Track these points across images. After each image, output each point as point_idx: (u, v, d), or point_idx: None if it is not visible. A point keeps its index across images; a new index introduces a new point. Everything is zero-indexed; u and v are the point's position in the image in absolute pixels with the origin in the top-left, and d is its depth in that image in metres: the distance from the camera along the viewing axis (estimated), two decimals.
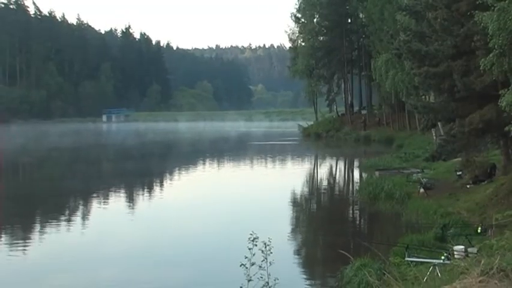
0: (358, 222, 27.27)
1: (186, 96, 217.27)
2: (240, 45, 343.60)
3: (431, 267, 11.73)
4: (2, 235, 22.99)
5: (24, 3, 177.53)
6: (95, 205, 30.57)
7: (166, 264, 18.12)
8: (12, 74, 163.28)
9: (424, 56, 26.22)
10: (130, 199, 32.59)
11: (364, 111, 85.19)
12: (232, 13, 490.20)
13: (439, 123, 34.18)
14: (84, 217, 27.15)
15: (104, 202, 31.41)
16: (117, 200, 31.97)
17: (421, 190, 26.61)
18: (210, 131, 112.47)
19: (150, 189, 36.80)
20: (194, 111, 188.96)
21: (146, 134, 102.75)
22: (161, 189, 37.54)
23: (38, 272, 17.57)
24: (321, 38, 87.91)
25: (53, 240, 21.77)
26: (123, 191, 35.88)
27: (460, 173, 28.85)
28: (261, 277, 8.05)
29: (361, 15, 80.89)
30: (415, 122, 57.77)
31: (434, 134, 41.64)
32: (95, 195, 33.67)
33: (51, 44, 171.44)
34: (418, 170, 34.13)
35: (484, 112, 23.10)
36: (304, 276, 17.53)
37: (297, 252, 20.18)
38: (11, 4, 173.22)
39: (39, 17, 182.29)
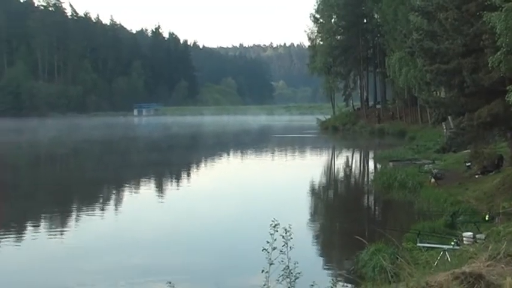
0: (372, 210, 27.25)
1: (212, 92, 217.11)
2: (262, 44, 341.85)
3: (441, 252, 11.74)
4: (41, 222, 23.25)
5: (61, 6, 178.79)
6: (126, 193, 30.74)
7: (193, 249, 18.23)
8: (51, 71, 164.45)
9: (435, 54, 26.01)
10: (159, 187, 32.77)
11: (378, 106, 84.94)
12: (254, 14, 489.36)
13: (449, 117, 33.88)
14: (116, 204, 27.36)
15: (135, 190, 31.60)
16: (146, 188, 32.21)
17: (432, 180, 26.48)
18: (234, 125, 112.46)
19: (178, 179, 36.93)
20: (219, 105, 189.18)
21: (174, 127, 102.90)
22: (188, 179, 37.66)
23: (73, 256, 17.68)
24: (338, 37, 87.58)
25: (87, 226, 22.01)
26: (151, 179, 36.09)
27: (469, 164, 28.67)
28: (282, 261, 8.07)
29: (376, 16, 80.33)
30: (427, 116, 57.47)
31: (444, 127, 41.29)
32: (125, 183, 33.83)
33: (87, 43, 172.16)
34: (430, 161, 33.95)
35: (492, 106, 22.88)
36: (322, 260, 17.59)
37: (316, 237, 20.23)
38: (50, 6, 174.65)
39: (76, 18, 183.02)
